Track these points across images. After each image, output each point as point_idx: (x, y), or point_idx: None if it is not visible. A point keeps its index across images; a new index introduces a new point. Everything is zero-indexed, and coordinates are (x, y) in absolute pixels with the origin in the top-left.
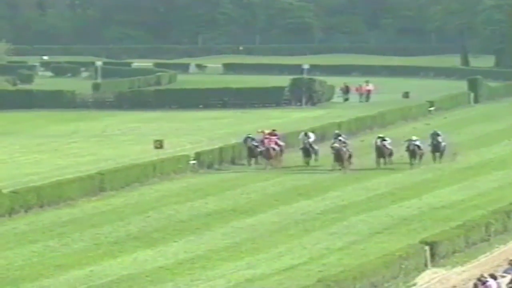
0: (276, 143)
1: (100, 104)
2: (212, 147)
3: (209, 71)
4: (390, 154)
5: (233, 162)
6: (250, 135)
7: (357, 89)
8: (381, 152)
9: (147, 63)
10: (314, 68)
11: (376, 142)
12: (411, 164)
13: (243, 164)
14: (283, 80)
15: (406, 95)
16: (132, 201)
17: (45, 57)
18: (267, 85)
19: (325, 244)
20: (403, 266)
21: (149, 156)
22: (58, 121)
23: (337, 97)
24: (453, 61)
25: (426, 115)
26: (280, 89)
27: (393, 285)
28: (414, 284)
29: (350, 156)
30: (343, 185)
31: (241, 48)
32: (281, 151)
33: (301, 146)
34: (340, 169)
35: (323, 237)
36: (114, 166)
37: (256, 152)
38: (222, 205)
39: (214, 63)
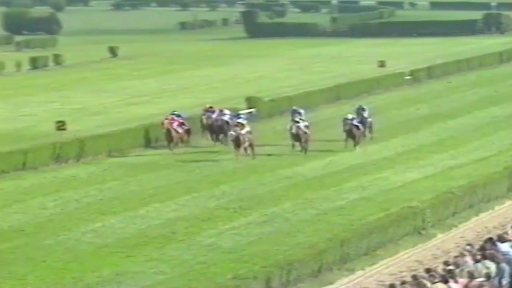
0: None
1: (336, 34)
2: (423, 66)
3: (419, 8)
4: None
5: (439, 78)
6: (175, 112)
7: None
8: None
9: (370, 2)
10: (500, 5)
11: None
12: (346, 147)
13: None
14: (476, 15)
15: None
16: None
17: None
18: (464, 18)
19: (511, 141)
20: None
21: (374, 73)
22: (304, 46)
23: None
24: None
25: None
26: (474, 21)
27: None
28: None
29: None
30: None
31: None
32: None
33: (208, 122)
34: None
35: (509, 135)
36: (347, 81)
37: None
38: (430, 111)
39: (423, 1)
